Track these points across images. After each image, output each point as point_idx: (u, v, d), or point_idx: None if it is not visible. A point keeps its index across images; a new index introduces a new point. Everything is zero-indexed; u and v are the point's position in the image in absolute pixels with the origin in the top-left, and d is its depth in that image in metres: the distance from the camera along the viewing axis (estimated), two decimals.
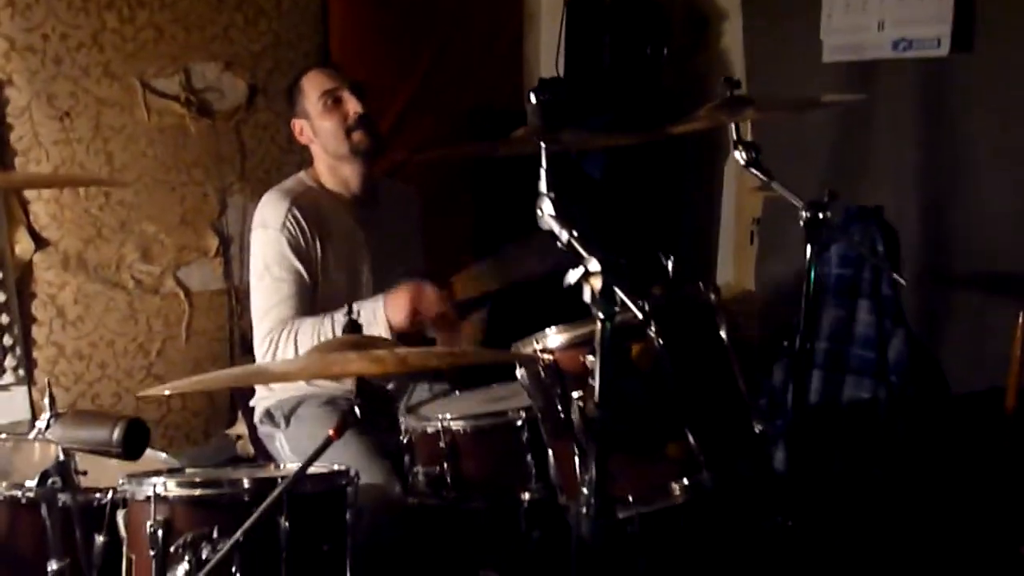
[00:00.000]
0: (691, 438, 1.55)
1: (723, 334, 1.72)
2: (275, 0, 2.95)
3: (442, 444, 1.94)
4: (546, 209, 1.43)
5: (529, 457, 1.89)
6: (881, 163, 3.07)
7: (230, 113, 2.89)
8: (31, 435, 1.97)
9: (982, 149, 2.86)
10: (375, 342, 1.43)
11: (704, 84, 3.39)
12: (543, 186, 1.44)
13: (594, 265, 1.30)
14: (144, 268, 2.74)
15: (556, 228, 1.41)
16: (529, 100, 1.41)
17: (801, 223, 1.89)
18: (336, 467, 1.76)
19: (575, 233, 1.37)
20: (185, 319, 2.81)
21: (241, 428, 2.63)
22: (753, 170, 1.93)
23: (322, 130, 2.32)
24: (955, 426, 3.01)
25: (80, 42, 2.55)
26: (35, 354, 2.55)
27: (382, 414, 1.44)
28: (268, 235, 2.27)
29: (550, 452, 1.71)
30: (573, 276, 1.31)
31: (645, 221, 3.16)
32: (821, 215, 1.88)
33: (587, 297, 1.31)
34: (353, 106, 2.30)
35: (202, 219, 2.84)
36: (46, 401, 1.67)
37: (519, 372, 1.79)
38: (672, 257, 1.83)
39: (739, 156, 1.93)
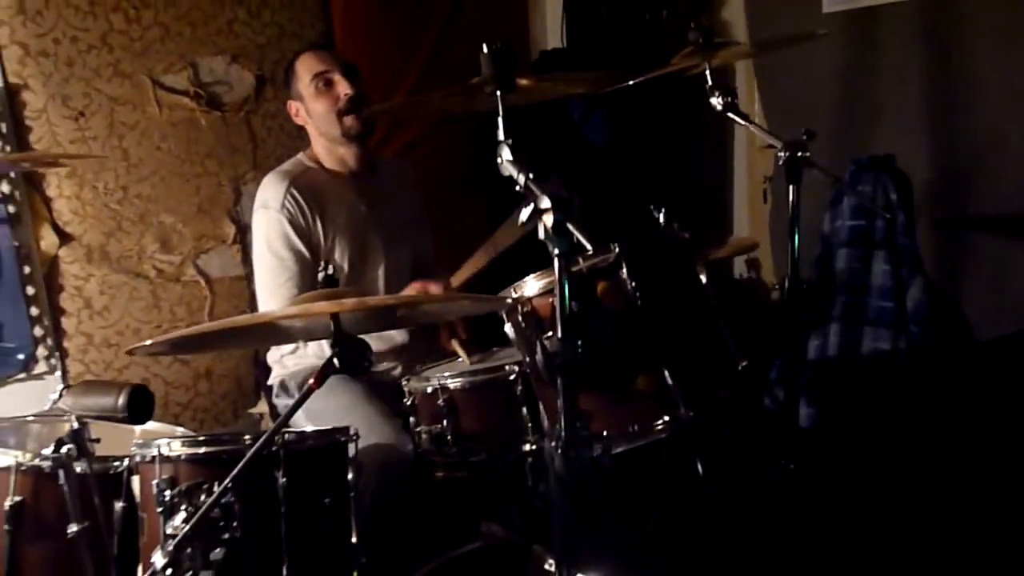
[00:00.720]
0: (666, 373, 1.57)
1: (702, 276, 1.75)
2: None
3: (440, 402, 2.00)
4: (504, 155, 1.47)
5: (524, 410, 1.95)
6: (890, 110, 3.04)
7: (239, 104, 2.98)
8: (46, 406, 2.10)
9: (990, 85, 2.81)
10: (345, 294, 1.49)
11: None
12: (500, 134, 1.47)
13: (545, 202, 1.33)
14: (164, 258, 2.84)
15: (514, 172, 1.45)
16: (481, 50, 1.45)
17: (780, 163, 1.90)
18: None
19: (531, 175, 1.41)
20: (207, 305, 2.91)
21: (263, 406, 2.73)
22: (730, 114, 1.95)
23: (315, 112, 2.39)
24: (981, 373, 2.96)
25: (90, 44, 2.66)
26: (65, 344, 2.66)
27: (360, 363, 1.47)
28: (269, 216, 2.34)
29: (535, 386, 1.75)
30: (525, 214, 1.34)
31: (655, 185, 3.17)
32: (800, 153, 1.88)
33: (540, 234, 1.35)
34: (343, 88, 2.36)
35: (218, 208, 2.94)
36: (58, 374, 1.79)
37: (506, 326, 1.84)
38: (663, 209, 1.87)
39: (715, 101, 1.94)
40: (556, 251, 1.35)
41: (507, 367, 1.95)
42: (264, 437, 1.53)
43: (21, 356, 2.58)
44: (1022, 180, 2.83)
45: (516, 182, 1.44)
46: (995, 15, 2.74)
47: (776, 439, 2.37)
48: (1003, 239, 2.94)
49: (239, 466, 1.46)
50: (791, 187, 1.95)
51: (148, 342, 1.39)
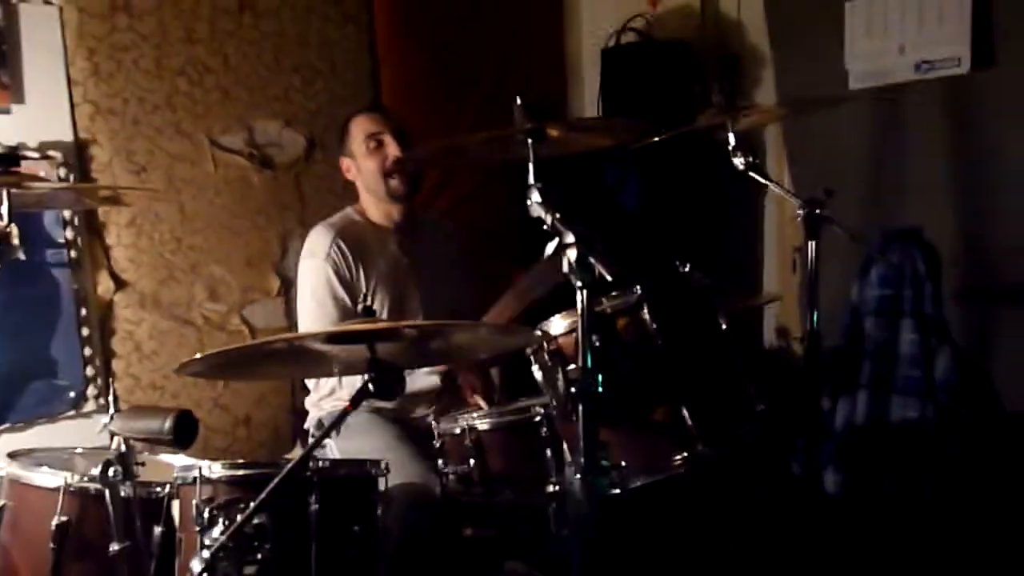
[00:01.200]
0: (685, 412, 1.64)
1: (723, 323, 1.83)
2: (330, 62, 3.24)
3: (468, 443, 2.07)
4: (534, 197, 1.57)
5: (549, 452, 2.01)
6: (916, 184, 3.11)
7: (290, 165, 3.16)
8: (97, 430, 2.20)
9: (1014, 160, 2.88)
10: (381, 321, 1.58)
11: None
12: (531, 178, 1.58)
13: (569, 237, 1.43)
14: (212, 307, 2.98)
15: (542, 213, 1.55)
16: (515, 101, 1.57)
17: (799, 219, 1.98)
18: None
19: (558, 215, 1.51)
20: None
21: (299, 451, 2.81)
22: (751, 173, 2.05)
23: (364, 169, 2.55)
24: (1010, 443, 2.95)
25: (155, 104, 2.86)
26: (114, 385, 2.78)
27: (394, 388, 1.56)
28: (315, 264, 2.48)
29: (559, 429, 1.82)
30: (551, 248, 1.44)
31: (685, 249, 3.26)
32: (818, 211, 1.97)
33: (564, 267, 1.44)
34: (392, 150, 2.52)
35: (265, 262, 3.08)
36: (111, 398, 1.90)
37: (534, 368, 1.92)
38: (688, 264, 1.96)
39: (737, 162, 2.05)
40: (579, 283, 1.44)
41: (533, 409, 2.02)
42: (300, 457, 1.61)
43: (72, 394, 2.71)
44: None
45: (544, 222, 1.54)
46: (1014, 92, 2.83)
47: (801, 501, 2.40)
48: None
49: (274, 482, 1.53)
50: (810, 243, 2.02)
51: (198, 355, 1.49)
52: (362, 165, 2.56)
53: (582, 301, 1.44)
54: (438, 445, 2.17)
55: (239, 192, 3.05)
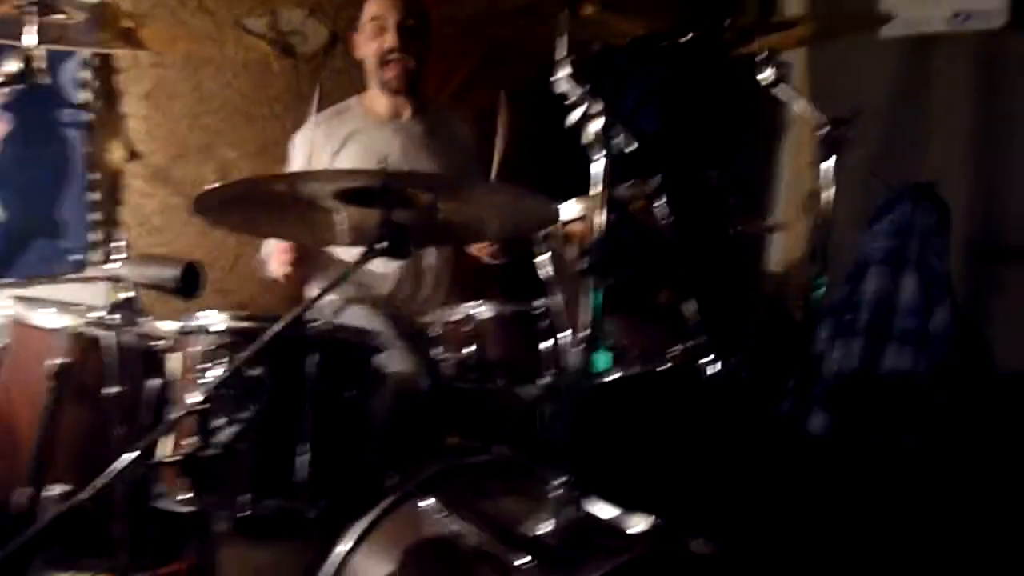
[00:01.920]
0: (688, 306, 1.65)
1: (734, 230, 1.83)
2: None
3: (467, 329, 2.09)
4: (563, 71, 1.56)
5: (547, 345, 2.02)
6: (937, 138, 3.10)
7: (311, 56, 3.13)
8: (103, 272, 2.20)
9: None
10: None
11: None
12: (562, 51, 1.57)
13: (597, 106, 1.42)
14: None
15: (570, 87, 1.54)
16: None
17: (822, 136, 1.97)
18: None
19: (588, 85, 1.50)
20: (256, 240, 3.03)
21: None
22: (779, 86, 2.03)
23: (364, 52, 2.57)
24: (998, 404, 2.98)
25: None
26: (120, 255, 2.78)
27: (406, 246, 1.55)
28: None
29: (562, 320, 1.82)
30: (574, 116, 1.44)
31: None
32: (842, 129, 1.96)
33: (587, 138, 1.44)
34: (390, 40, 2.50)
35: (278, 149, 3.03)
36: (120, 244, 1.90)
37: (540, 259, 1.92)
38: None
39: (766, 74, 2.03)
40: (604, 152, 1.43)
41: (536, 303, 2.03)
42: (299, 308, 1.61)
43: (75, 257, 2.72)
44: None
45: (570, 95, 1.53)
46: None
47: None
48: None
49: (276, 327, 1.54)
50: (828, 162, 2.02)
51: (214, 185, 1.48)
52: (363, 47, 2.57)
53: (603, 172, 1.44)
54: (436, 333, 2.18)
55: (258, 77, 3.02)
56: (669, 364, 1.66)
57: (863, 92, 3.19)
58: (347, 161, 2.52)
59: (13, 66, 1.58)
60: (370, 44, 2.53)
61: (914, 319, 2.96)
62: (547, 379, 2.01)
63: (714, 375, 1.67)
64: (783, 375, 3.01)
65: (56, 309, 2.02)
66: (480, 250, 2.48)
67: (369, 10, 2.55)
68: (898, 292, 3.02)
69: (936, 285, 2.96)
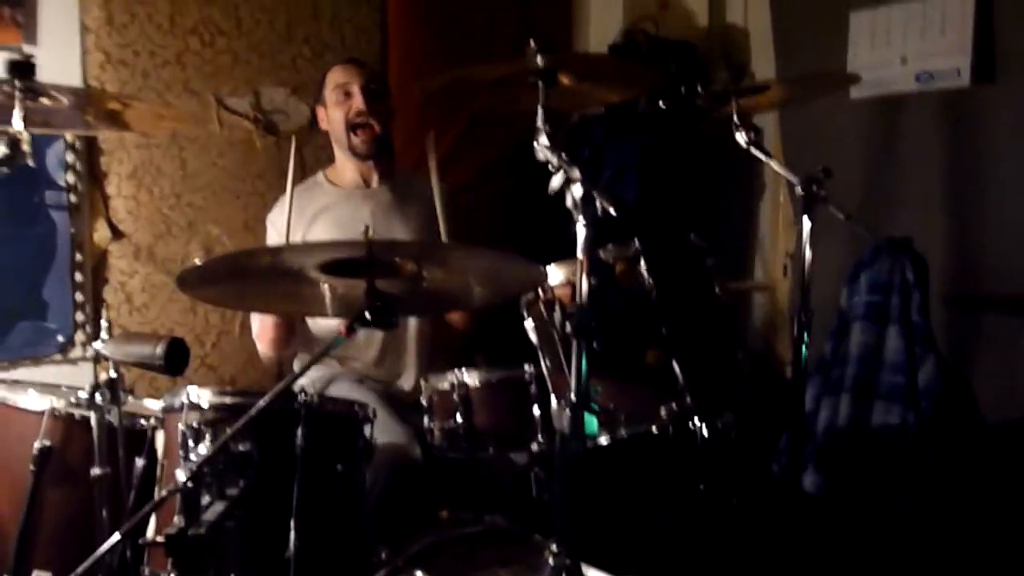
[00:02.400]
0: (675, 364, 1.65)
1: (716, 286, 1.85)
2: (339, 36, 3.27)
3: (456, 397, 2.08)
4: (541, 141, 1.60)
5: (536, 409, 2.02)
6: (910, 193, 3.16)
7: (293, 133, 3.17)
8: (88, 353, 2.19)
9: (1008, 175, 2.93)
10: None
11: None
12: (539, 121, 1.61)
13: (576, 173, 1.45)
14: None
15: (549, 155, 1.57)
16: (528, 44, 1.60)
17: (798, 195, 2.01)
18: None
19: (563, 155, 1.53)
20: (239, 316, 3.03)
21: None
22: (752, 148, 2.08)
23: (332, 119, 2.60)
24: (987, 455, 2.98)
25: (166, 60, 2.89)
26: (103, 334, 2.78)
27: (391, 317, 1.56)
28: (269, 215, 2.60)
29: (550, 387, 1.83)
30: (556, 182, 1.46)
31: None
32: (815, 188, 2.00)
33: (569, 202, 1.47)
34: (357, 103, 2.54)
35: (261, 226, 3.04)
36: (104, 324, 1.89)
37: (527, 323, 1.94)
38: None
39: (740, 138, 2.08)
40: (582, 220, 1.46)
41: (524, 367, 2.03)
42: (286, 381, 1.61)
43: (60, 338, 2.70)
44: None
45: (550, 162, 1.57)
46: (1012, 108, 2.88)
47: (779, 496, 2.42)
48: (1015, 323, 3.00)
49: (263, 400, 1.54)
50: (805, 221, 2.05)
51: (197, 261, 1.49)
52: (330, 114, 2.61)
53: (585, 238, 1.46)
54: (425, 401, 2.18)
55: (242, 155, 3.06)
56: (658, 425, 1.66)
57: (835, 151, 3.26)
58: (320, 234, 2.53)
59: (0, 150, 1.59)
60: (336, 111, 2.57)
61: (900, 375, 2.97)
62: (538, 445, 2.01)
63: (704, 436, 1.66)
64: (773, 434, 3.01)
65: (39, 390, 2.01)
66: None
67: (333, 79, 2.60)
68: (883, 348, 3.04)
69: (920, 340, 2.98)
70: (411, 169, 2.84)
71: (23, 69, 1.60)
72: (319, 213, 2.57)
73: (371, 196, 2.62)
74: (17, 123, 1.60)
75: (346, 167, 2.64)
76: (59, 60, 2.66)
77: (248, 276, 1.62)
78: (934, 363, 2.94)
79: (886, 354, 3.04)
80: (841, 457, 3.02)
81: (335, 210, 2.58)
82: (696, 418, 1.64)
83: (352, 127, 2.55)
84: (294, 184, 2.45)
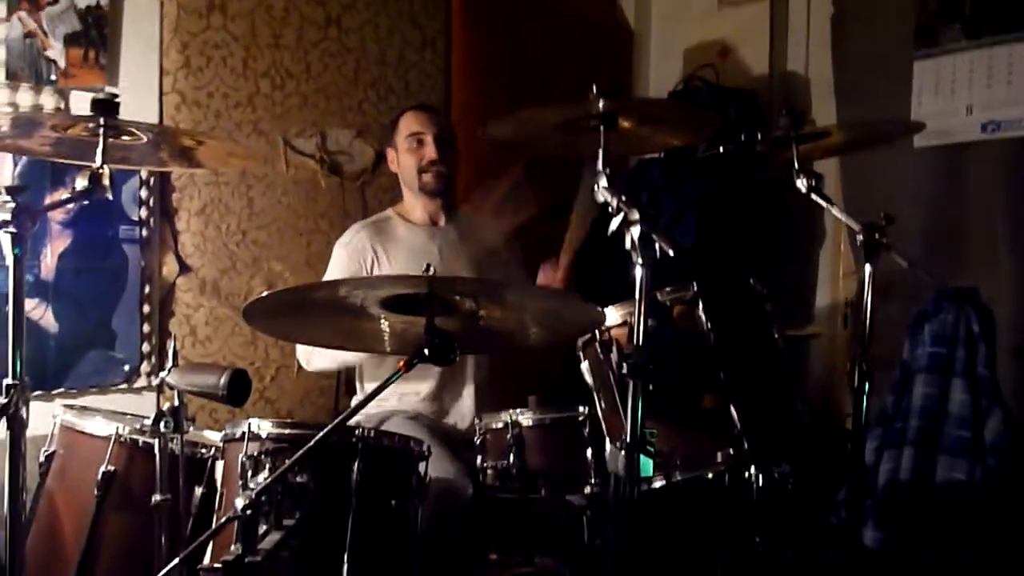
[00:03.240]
0: (733, 409, 1.64)
1: (775, 333, 1.83)
2: (404, 81, 3.36)
3: (509, 438, 2.09)
4: (601, 183, 1.61)
5: (589, 452, 2.02)
6: (974, 243, 3.10)
7: (357, 175, 3.26)
8: (155, 382, 2.24)
9: None
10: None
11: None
12: (600, 164, 1.63)
13: (635, 214, 1.47)
14: None
15: (608, 196, 1.59)
16: (591, 89, 1.63)
17: (859, 242, 1.99)
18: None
19: (623, 197, 1.55)
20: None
21: None
22: (813, 195, 2.07)
23: (403, 164, 2.70)
24: None
25: (238, 102, 3.00)
26: (169, 363, 2.85)
27: (448, 354, 1.58)
28: (335, 251, 2.66)
29: (604, 429, 1.82)
30: (615, 224, 1.48)
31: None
32: (877, 235, 1.98)
33: (627, 244, 1.48)
34: (429, 152, 2.65)
35: (324, 264, 3.13)
36: (170, 352, 1.95)
37: (582, 364, 1.94)
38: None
39: (801, 184, 2.07)
40: (641, 261, 1.47)
41: (578, 409, 2.03)
42: (345, 414, 1.63)
43: (127, 367, 2.78)
44: None
45: (609, 204, 1.58)
46: None
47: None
48: None
49: (322, 432, 1.56)
50: (867, 268, 2.03)
51: (264, 293, 1.54)
52: (402, 160, 2.70)
53: (643, 279, 1.47)
54: (478, 441, 2.19)
55: (306, 194, 3.15)
56: (713, 471, 1.64)
57: (897, 200, 3.22)
58: (389, 267, 2.60)
59: (81, 183, 1.67)
60: (409, 158, 2.68)
61: (966, 429, 2.89)
62: (591, 487, 2.00)
63: (760, 485, 1.64)
64: (832, 487, 2.94)
65: (105, 417, 2.07)
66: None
67: (406, 126, 2.70)
68: (947, 401, 2.96)
69: (986, 393, 2.90)
70: (471, 209, 2.90)
71: (107, 107, 1.67)
72: (390, 243, 2.65)
73: (438, 234, 2.70)
74: (98, 158, 1.67)
75: (415, 206, 2.72)
76: (138, 101, 2.77)
77: (310, 310, 1.65)
78: (1001, 418, 2.86)
79: (951, 407, 2.96)
80: (903, 512, 2.94)
81: (405, 243, 2.66)
82: (753, 466, 1.62)
83: (423, 171, 2.65)
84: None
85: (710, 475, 1.66)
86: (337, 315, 1.70)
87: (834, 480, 2.95)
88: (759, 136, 2.89)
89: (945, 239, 3.16)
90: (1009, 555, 2.71)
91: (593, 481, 1.99)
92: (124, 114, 1.73)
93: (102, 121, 1.66)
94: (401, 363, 1.61)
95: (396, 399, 2.56)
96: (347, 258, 2.63)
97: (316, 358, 2.59)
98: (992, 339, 2.91)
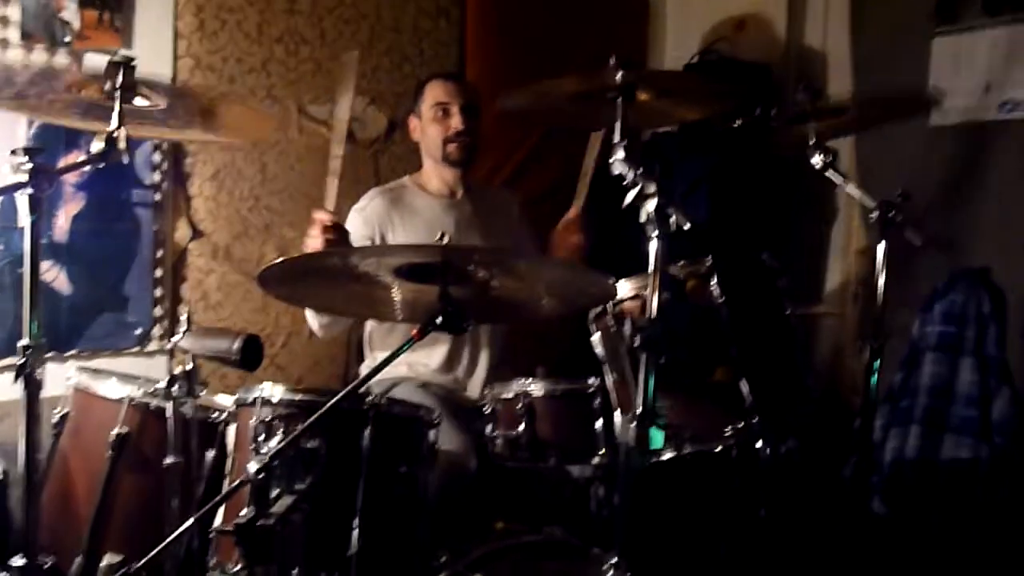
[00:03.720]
0: (743, 384, 1.64)
1: (787, 307, 1.83)
2: (419, 49, 3.34)
3: (519, 408, 2.10)
4: (618, 155, 1.61)
5: (599, 424, 2.03)
6: (988, 223, 3.08)
7: (370, 142, 3.25)
8: (168, 346, 2.25)
9: None
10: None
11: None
12: (617, 135, 1.62)
13: (652, 187, 1.46)
14: None
15: (625, 169, 1.58)
16: (609, 60, 1.62)
17: (873, 219, 1.99)
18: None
19: (640, 170, 1.54)
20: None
21: None
22: (828, 172, 2.06)
23: (427, 133, 2.67)
24: None
25: (251, 67, 2.98)
26: (182, 327, 2.86)
27: (462, 322, 1.59)
28: (351, 216, 2.62)
29: (614, 401, 1.83)
30: (630, 197, 1.47)
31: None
32: (892, 213, 1.97)
33: (643, 217, 1.47)
34: (456, 122, 2.62)
35: None
36: (183, 317, 1.96)
37: (593, 336, 1.94)
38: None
39: (815, 160, 2.07)
40: (656, 234, 1.47)
41: (589, 380, 2.04)
42: (357, 382, 1.65)
43: (139, 331, 2.80)
44: None
45: (625, 177, 1.58)
46: None
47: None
48: None
49: (334, 399, 1.58)
50: (880, 246, 2.02)
51: (278, 260, 1.55)
52: (426, 129, 2.67)
53: (657, 252, 1.47)
54: (488, 410, 2.20)
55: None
56: (723, 445, 1.65)
57: (911, 178, 3.20)
58: (404, 235, 2.59)
59: (97, 146, 1.67)
60: (434, 127, 2.64)
61: (973, 408, 2.90)
62: (600, 458, 2.01)
63: (768, 457, 1.65)
64: (838, 462, 2.95)
65: (118, 379, 2.09)
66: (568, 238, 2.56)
67: (432, 95, 2.66)
68: (955, 380, 2.97)
69: (995, 373, 2.91)
70: (494, 184, 2.89)
71: (124, 68, 1.67)
72: (405, 215, 2.63)
73: (455, 206, 2.69)
74: (114, 121, 1.67)
75: (432, 176, 2.70)
76: (152, 64, 2.75)
77: (323, 276, 1.66)
78: (1009, 397, 2.86)
79: (959, 386, 2.97)
80: (909, 489, 2.96)
81: (421, 212, 2.65)
82: (761, 440, 1.62)
83: (448, 140, 2.62)
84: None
85: (719, 449, 1.67)
86: (351, 282, 1.70)
87: (841, 457, 2.96)
88: (774, 111, 2.88)
89: (959, 219, 3.14)
90: (1014, 534, 2.73)
91: (602, 452, 2.00)
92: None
93: (118, 82, 1.66)
94: (414, 331, 1.62)
95: (406, 368, 2.58)
96: (361, 223, 2.61)
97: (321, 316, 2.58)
98: (1003, 320, 2.91)
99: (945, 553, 2.76)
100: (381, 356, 2.58)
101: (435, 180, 2.70)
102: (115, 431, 1.98)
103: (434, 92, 2.66)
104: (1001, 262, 2.95)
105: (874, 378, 2.27)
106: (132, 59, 1.69)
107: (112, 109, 1.69)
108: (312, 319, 2.58)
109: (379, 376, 2.49)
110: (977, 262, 3.02)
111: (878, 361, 2.12)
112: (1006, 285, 2.91)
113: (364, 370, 2.69)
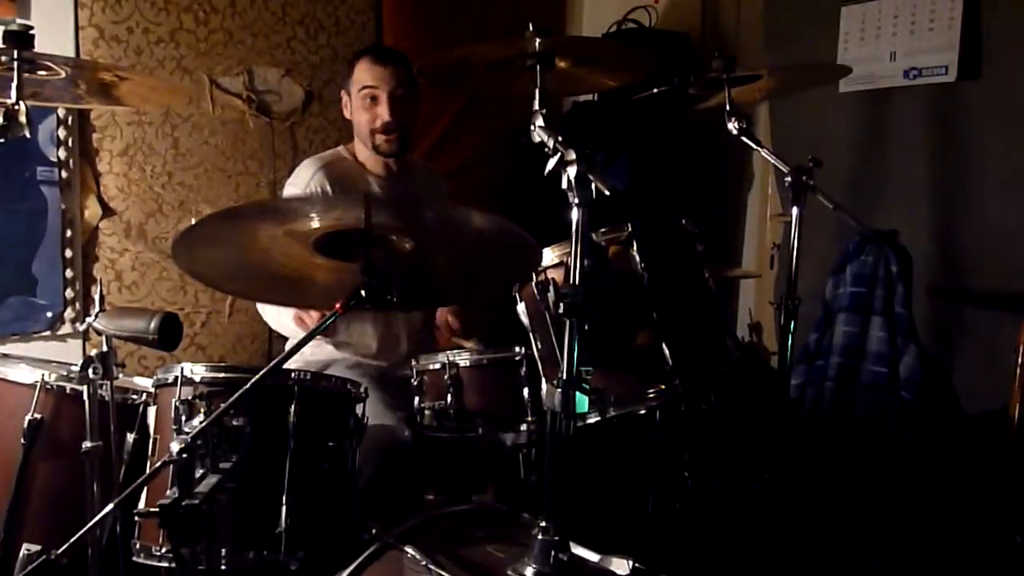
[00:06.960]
0: (665, 347, 1.68)
1: (706, 272, 1.88)
2: (334, 18, 3.28)
3: (447, 378, 2.10)
4: (537, 122, 1.61)
5: (526, 392, 2.05)
6: (896, 186, 3.20)
7: (286, 115, 3.18)
8: (82, 327, 2.17)
9: (991, 170, 2.98)
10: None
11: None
12: (536, 104, 1.62)
13: (571, 155, 1.47)
14: None
15: (544, 136, 1.59)
16: (527, 28, 1.61)
17: (787, 184, 2.04)
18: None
19: (559, 138, 1.55)
20: (229, 297, 3.04)
21: None
22: (743, 138, 2.11)
23: (356, 118, 2.55)
24: (966, 444, 3.04)
25: (159, 37, 2.88)
26: (96, 308, 2.77)
27: (385, 295, 1.57)
28: (287, 191, 2.52)
29: (541, 369, 1.85)
30: (551, 164, 1.48)
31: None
32: (805, 178, 2.03)
33: (564, 184, 1.48)
34: (383, 113, 2.47)
35: None
36: (96, 296, 1.89)
37: (518, 306, 1.96)
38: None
39: (732, 126, 2.11)
40: (577, 200, 1.48)
41: (515, 349, 2.06)
42: (281, 357, 1.62)
43: (50, 314, 2.70)
44: (1018, 259, 2.96)
45: (546, 145, 1.58)
46: (997, 104, 2.93)
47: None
48: (996, 316, 3.05)
49: (257, 376, 1.55)
50: (794, 211, 2.08)
51: (193, 221, 1.49)
52: (355, 114, 2.55)
53: (579, 219, 1.48)
54: (415, 382, 2.20)
55: (234, 135, 3.06)
56: (646, 407, 1.68)
57: (823, 143, 3.30)
58: None
59: None
60: (362, 115, 2.51)
61: (883, 365, 3.02)
62: (527, 425, 2.03)
63: (689, 418, 1.69)
64: (758, 419, 3.05)
65: (29, 364, 2.01)
66: (445, 329, 2.51)
67: (360, 77, 2.52)
68: (866, 338, 3.08)
69: (902, 331, 3.03)
70: (423, 161, 2.85)
71: (21, 39, 1.59)
72: (340, 183, 2.50)
73: (387, 185, 2.58)
74: (13, 94, 1.60)
75: (366, 153, 2.59)
76: (53, 35, 2.64)
77: (245, 239, 1.61)
78: (916, 354, 2.99)
79: (869, 345, 3.08)
80: (824, 446, 3.07)
81: (355, 185, 2.52)
82: (683, 402, 1.66)
83: (375, 131, 2.51)
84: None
85: (643, 411, 1.71)
86: (272, 265, 1.67)
87: (760, 415, 3.06)
88: (692, 79, 2.91)
89: (869, 182, 3.25)
90: (921, 484, 2.87)
91: (529, 420, 2.02)
92: (39, 50, 1.65)
93: (15, 54, 1.58)
94: (338, 304, 1.60)
95: (337, 348, 2.54)
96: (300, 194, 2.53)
97: (284, 317, 2.49)
98: (909, 279, 3.02)
99: (857, 502, 2.88)
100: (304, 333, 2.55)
101: (366, 154, 2.61)
102: (28, 417, 1.91)
103: (361, 74, 2.51)
104: (908, 223, 3.07)
105: (789, 339, 2.35)
106: (30, 27, 1.61)
107: (10, 80, 1.61)
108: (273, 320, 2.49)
109: (307, 358, 2.52)
110: (885, 224, 3.14)
111: (793, 322, 2.18)
112: (912, 246, 3.03)
113: (288, 347, 2.65)
